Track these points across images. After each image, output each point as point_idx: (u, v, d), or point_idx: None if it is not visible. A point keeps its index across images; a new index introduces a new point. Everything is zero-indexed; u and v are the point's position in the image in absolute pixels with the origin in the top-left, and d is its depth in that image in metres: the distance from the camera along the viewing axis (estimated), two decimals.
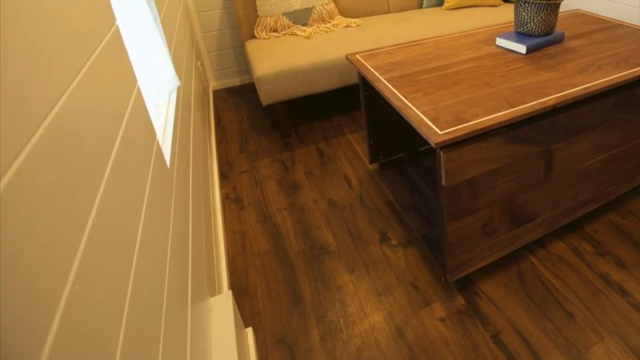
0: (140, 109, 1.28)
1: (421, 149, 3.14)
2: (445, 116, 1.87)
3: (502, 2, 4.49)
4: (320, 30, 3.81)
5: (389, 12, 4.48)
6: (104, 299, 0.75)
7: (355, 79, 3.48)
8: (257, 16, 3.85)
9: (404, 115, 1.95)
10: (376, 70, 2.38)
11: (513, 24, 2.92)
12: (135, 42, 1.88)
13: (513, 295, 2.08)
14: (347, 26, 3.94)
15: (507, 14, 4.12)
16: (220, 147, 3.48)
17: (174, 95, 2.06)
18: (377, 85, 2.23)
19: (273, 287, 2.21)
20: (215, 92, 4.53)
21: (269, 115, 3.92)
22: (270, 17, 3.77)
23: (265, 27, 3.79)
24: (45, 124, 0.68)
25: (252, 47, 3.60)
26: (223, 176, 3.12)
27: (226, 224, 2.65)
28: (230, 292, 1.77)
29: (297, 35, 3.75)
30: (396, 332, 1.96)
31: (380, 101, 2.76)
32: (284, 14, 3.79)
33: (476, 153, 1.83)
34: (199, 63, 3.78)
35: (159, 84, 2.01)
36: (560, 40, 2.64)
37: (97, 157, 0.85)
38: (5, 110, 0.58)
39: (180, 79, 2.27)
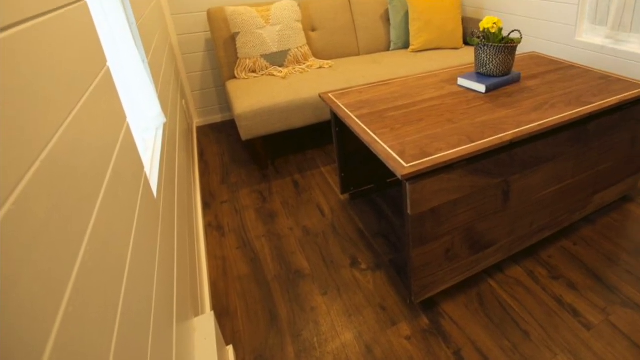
0: (129, 144, 1.28)
1: (388, 180, 3.16)
2: (411, 150, 1.88)
3: (463, 45, 4.57)
4: (295, 71, 3.84)
5: (359, 54, 4.53)
6: (96, 318, 0.74)
7: (327, 116, 3.50)
8: (237, 58, 3.87)
9: (372, 150, 1.96)
10: (347, 108, 2.39)
11: (473, 65, 2.95)
12: (125, 82, 1.88)
13: (473, 315, 2.08)
14: (321, 67, 3.98)
15: (467, 55, 4.19)
16: (203, 178, 3.47)
17: (161, 131, 2.05)
18: (348, 122, 2.24)
19: (252, 308, 2.20)
20: (199, 128, 4.52)
21: (248, 150, 3.92)
22: (249, 59, 3.80)
23: (244, 68, 3.81)
24: (42, 157, 0.68)
25: (233, 87, 3.61)
26: (206, 205, 3.10)
27: (208, 249, 2.63)
28: (212, 312, 1.75)
29: (274, 75, 3.77)
30: (365, 350, 1.95)
31: (351, 136, 2.77)
32: (262, 56, 3.81)
33: (439, 184, 1.84)
34: (183, 101, 3.78)
35: (146, 120, 2.01)
36: (517, 80, 2.67)
37: (89, 187, 0.85)
38: (5, 144, 0.58)
39: (166, 116, 2.28)
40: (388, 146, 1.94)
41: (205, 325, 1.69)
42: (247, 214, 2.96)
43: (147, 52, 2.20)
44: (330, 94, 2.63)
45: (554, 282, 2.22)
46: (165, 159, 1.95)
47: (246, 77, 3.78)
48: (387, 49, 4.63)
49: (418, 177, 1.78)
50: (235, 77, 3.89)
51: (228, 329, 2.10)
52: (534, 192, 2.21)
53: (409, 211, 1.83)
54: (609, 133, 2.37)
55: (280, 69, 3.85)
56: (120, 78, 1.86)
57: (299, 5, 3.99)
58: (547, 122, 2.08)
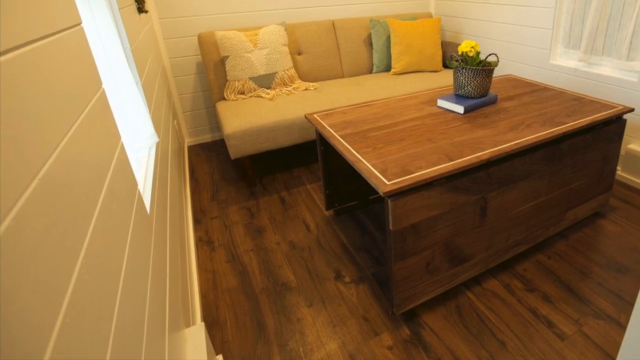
0: (124, 162, 1.28)
1: (371, 197, 3.16)
2: (393, 168, 1.89)
3: (443, 68, 4.61)
4: (282, 93, 3.85)
5: (343, 76, 4.56)
6: (92, 329, 0.74)
7: (313, 136, 3.51)
8: (227, 80, 3.87)
9: (356, 168, 1.96)
10: (331, 128, 2.40)
11: (452, 87, 2.97)
12: (119, 103, 1.88)
13: (452, 326, 2.09)
14: (306, 89, 3.99)
15: (447, 78, 4.23)
16: (194, 195, 3.46)
17: (154, 150, 2.05)
18: (332, 141, 2.25)
19: (240, 319, 2.19)
20: (190, 148, 4.51)
21: (237, 168, 3.92)
22: (238, 81, 3.80)
23: (233, 90, 3.82)
24: (40, 175, 0.68)
25: (222, 108, 3.61)
26: (196, 221, 3.09)
27: (199, 263, 2.62)
28: (202, 323, 1.75)
29: (261, 97, 3.77)
30: (349, 359, 1.95)
31: (335, 155, 2.78)
32: (250, 78, 3.82)
33: (420, 201, 1.86)
34: (175, 122, 3.77)
35: (140, 140, 2.01)
36: (494, 101, 2.69)
37: (85, 204, 0.85)
38: (4, 163, 0.58)
39: (158, 136, 2.28)
40: (371, 164, 1.95)
41: (196, 336, 1.68)
42: (236, 229, 2.95)
43: (140, 75, 2.20)
44: (315, 115, 2.64)
45: (529, 295, 2.23)
46: (157, 177, 1.95)
47: (235, 99, 3.78)
48: (370, 71, 4.66)
49: (399, 194, 1.80)
50: (224, 99, 3.89)
51: (218, 339, 2.09)
52: (510, 209, 2.23)
53: (390, 227, 1.84)
54: (582, 152, 2.40)
55: (267, 90, 3.86)
56: (115, 99, 1.86)
57: (285, 29, 4.01)
58: (523, 141, 2.10)
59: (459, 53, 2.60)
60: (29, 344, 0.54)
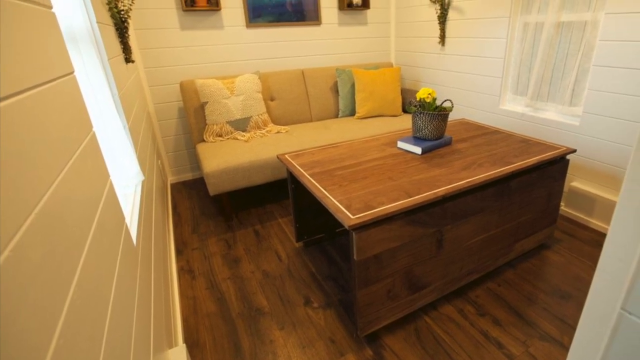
0: (112, 199, 1.28)
1: (337, 230, 3.17)
2: (357, 204, 1.91)
3: (402, 113, 4.67)
4: (256, 135, 3.87)
5: (311, 120, 4.60)
6: (84, 349, 0.74)
7: (284, 174, 3.52)
8: (206, 124, 3.88)
9: (323, 204, 1.97)
10: (301, 167, 2.42)
11: (411, 130, 3.01)
12: (108, 144, 1.88)
13: (411, 347, 2.09)
14: (278, 132, 4.02)
15: (406, 122, 4.29)
16: (176, 229, 3.44)
17: (139, 187, 2.04)
18: (302, 180, 2.26)
19: (219, 341, 2.16)
20: (172, 185, 4.48)
21: (216, 204, 3.90)
22: (216, 124, 3.82)
23: (212, 132, 3.83)
24: (36, 210, 0.68)
25: (202, 149, 3.61)
26: (178, 252, 3.06)
27: (181, 290, 2.59)
28: (184, 345, 1.73)
29: (238, 139, 3.79)
30: None
31: (305, 192, 2.80)
32: (227, 122, 3.84)
33: (381, 233, 1.87)
34: (159, 161, 3.76)
35: (127, 178, 2.00)
36: (449, 143, 2.73)
37: (78, 236, 0.85)
38: (4, 198, 0.59)
39: (144, 174, 2.27)
40: (337, 200, 1.97)
41: (178, 357, 1.66)
42: (215, 260, 2.93)
43: (127, 119, 2.21)
44: (286, 155, 2.66)
45: (480, 319, 2.25)
46: (143, 212, 1.94)
47: (213, 141, 3.79)
48: (336, 116, 4.71)
49: (363, 227, 1.81)
50: (204, 141, 3.89)
51: (198, 359, 2.06)
52: (463, 241, 2.26)
53: (355, 257, 1.85)
54: (529, 189, 2.44)
55: (243, 133, 3.88)
56: (105, 141, 1.86)
57: (259, 78, 4.06)
58: (475, 179, 2.14)
59: (417, 99, 2.64)
60: None
